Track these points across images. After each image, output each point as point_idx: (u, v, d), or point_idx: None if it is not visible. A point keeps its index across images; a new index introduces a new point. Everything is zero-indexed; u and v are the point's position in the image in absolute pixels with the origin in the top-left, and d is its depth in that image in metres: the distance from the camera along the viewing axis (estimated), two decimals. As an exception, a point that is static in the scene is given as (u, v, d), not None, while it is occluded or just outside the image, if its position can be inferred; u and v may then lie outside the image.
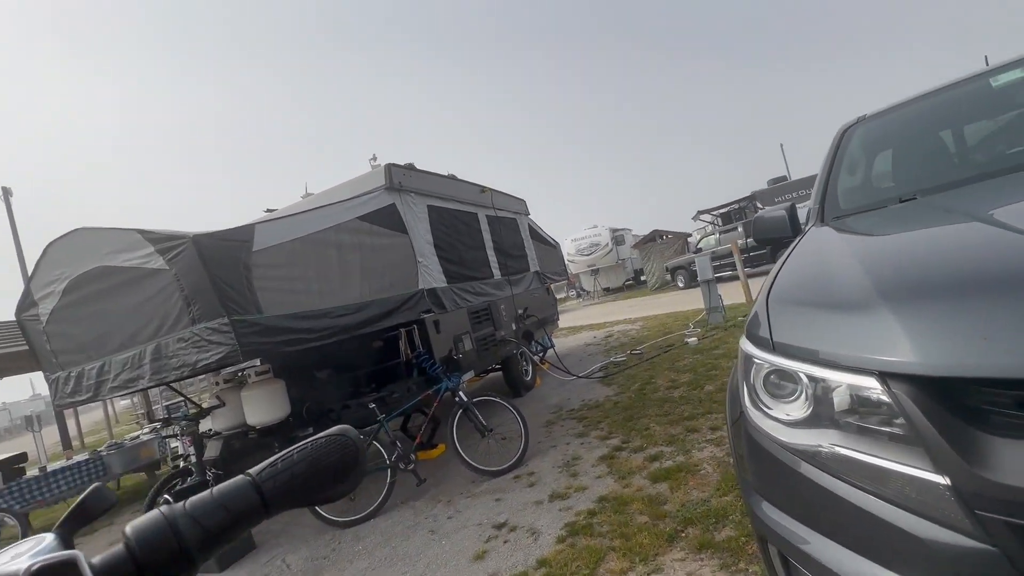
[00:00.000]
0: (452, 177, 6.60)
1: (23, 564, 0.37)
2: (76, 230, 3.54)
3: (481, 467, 4.25)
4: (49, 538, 0.45)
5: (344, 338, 4.11)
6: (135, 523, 0.43)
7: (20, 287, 4.31)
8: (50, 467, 6.42)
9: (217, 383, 4.56)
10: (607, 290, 26.46)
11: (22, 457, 6.49)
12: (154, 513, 0.44)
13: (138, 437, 7.70)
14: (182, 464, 4.30)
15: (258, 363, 4.40)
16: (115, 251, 3.45)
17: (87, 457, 6.81)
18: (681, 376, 5.91)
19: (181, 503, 0.45)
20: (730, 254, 14.03)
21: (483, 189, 7.33)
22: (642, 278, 27.59)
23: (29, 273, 4.10)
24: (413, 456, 4.36)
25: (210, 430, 4.45)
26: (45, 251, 3.68)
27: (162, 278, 3.36)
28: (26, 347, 4.49)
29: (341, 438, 0.52)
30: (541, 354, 8.10)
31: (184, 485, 3.85)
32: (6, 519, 5.34)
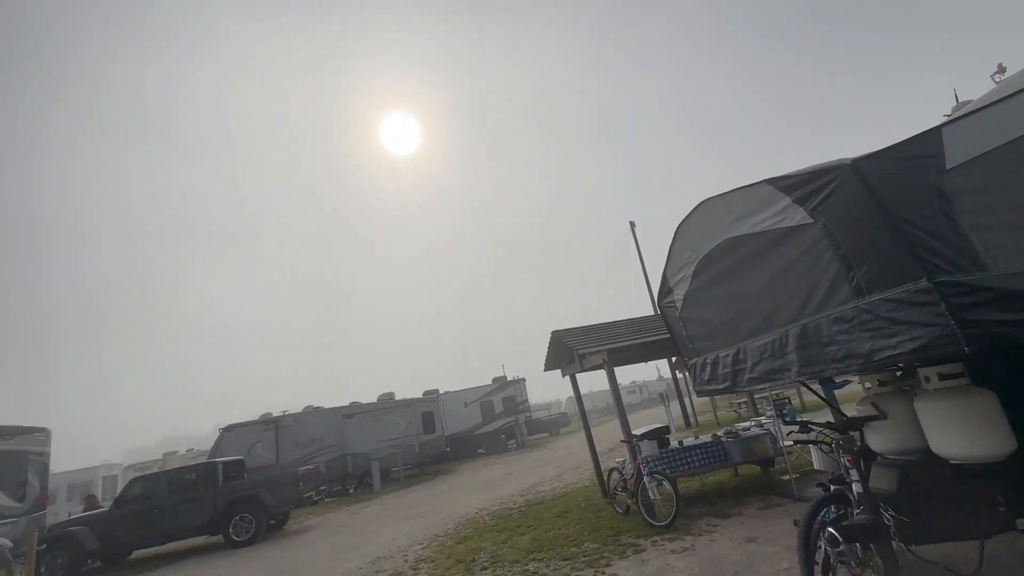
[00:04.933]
0: None
1: None
2: (700, 204, 3.30)
3: None
4: None
5: None
6: None
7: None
8: (685, 442, 7.26)
9: (867, 384, 3.34)
10: None
11: (666, 429, 7.63)
12: None
13: (748, 428, 7.66)
14: (831, 487, 3.34)
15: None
16: (740, 216, 2.93)
17: (710, 439, 7.30)
18: None
19: None
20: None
21: None
22: None
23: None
24: None
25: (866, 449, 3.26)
26: (676, 233, 3.67)
27: (803, 236, 2.51)
28: (667, 335, 4.90)
29: None
30: None
31: (851, 521, 2.83)
32: (664, 482, 6.19)
